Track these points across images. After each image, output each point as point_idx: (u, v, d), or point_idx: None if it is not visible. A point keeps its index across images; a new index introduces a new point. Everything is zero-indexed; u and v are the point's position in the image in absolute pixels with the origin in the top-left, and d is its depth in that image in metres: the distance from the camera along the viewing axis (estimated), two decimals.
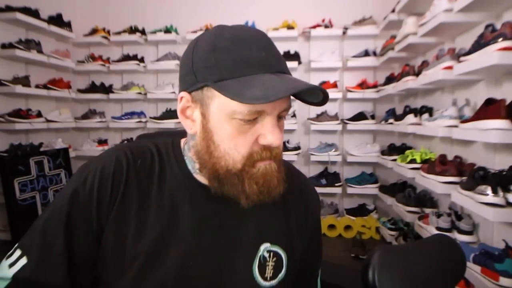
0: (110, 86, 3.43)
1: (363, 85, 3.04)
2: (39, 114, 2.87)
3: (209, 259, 0.58)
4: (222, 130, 0.53)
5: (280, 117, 0.56)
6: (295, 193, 0.68)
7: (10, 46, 2.60)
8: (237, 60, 0.51)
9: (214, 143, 0.54)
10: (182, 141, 0.66)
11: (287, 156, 3.05)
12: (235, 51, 0.52)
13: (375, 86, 3.02)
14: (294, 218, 0.66)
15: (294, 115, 3.14)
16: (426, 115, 2.06)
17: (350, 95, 3.07)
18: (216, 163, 0.54)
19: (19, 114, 2.69)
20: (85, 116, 3.40)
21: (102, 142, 3.39)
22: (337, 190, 3.03)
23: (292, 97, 0.55)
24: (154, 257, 0.55)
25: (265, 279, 0.60)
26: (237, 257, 0.60)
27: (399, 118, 2.42)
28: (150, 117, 3.31)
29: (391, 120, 2.63)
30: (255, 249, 0.60)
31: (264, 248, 0.60)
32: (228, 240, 0.60)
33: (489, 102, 1.39)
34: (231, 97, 0.49)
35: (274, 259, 0.61)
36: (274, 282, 0.60)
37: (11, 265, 0.54)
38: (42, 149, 2.89)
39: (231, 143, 0.53)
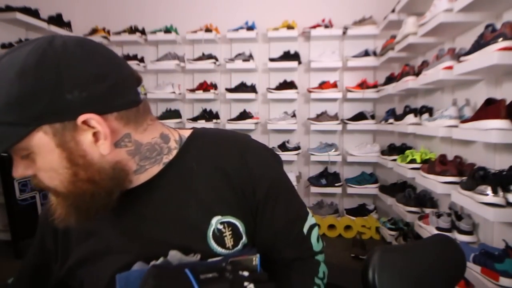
0: None
1: (363, 85, 3.04)
2: None
3: (145, 248, 0.59)
4: None
5: (24, 156, 0.54)
6: (236, 162, 0.65)
7: (10, 46, 2.60)
8: None
9: None
10: None
11: (287, 156, 3.05)
12: None
13: (375, 86, 3.02)
14: (238, 185, 0.63)
15: (294, 115, 3.14)
16: (426, 115, 2.06)
17: (350, 95, 3.07)
18: None
19: None
20: None
21: None
22: (337, 190, 3.03)
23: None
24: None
25: (227, 248, 0.61)
26: (187, 237, 0.60)
27: (399, 118, 2.42)
28: None
29: (391, 120, 2.63)
30: (205, 224, 0.60)
31: (216, 221, 0.61)
32: (161, 226, 0.60)
33: (489, 102, 1.39)
34: None
35: (230, 228, 0.61)
36: (238, 247, 0.62)
37: None
38: None
39: None
